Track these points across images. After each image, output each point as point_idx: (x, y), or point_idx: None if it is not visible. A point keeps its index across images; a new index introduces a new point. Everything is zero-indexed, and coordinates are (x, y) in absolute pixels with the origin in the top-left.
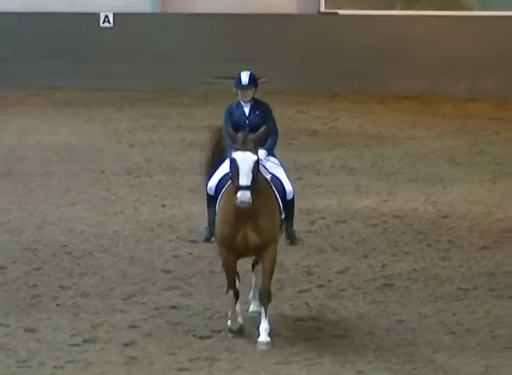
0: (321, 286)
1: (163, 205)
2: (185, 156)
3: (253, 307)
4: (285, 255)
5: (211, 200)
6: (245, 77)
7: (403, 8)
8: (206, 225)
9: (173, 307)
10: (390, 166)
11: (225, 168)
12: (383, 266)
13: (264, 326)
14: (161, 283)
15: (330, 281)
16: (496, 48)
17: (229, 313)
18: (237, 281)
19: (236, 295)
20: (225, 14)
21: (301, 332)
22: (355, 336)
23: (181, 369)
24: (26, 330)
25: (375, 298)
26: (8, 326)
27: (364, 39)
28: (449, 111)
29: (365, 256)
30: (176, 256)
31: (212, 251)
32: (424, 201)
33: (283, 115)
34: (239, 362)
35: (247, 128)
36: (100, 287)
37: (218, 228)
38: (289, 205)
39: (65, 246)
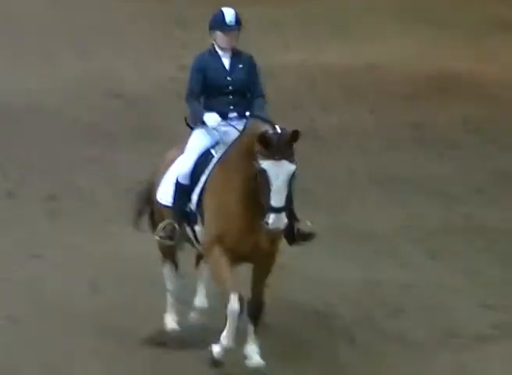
0: None
1: None
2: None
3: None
4: None
5: (183, 191)
6: (231, 16)
7: None
8: (169, 219)
9: (95, 160)
10: (319, 22)
11: (194, 147)
12: (312, 121)
13: (253, 348)
14: (88, 135)
15: None
16: None
17: (225, 333)
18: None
19: (242, 301)
20: None
21: None
22: None
23: None
24: None
25: (304, 154)
26: None
27: None
28: None
29: (294, 109)
30: (102, 111)
31: None
32: (351, 55)
33: None
34: None
35: (230, 87)
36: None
37: (216, 222)
38: None
39: None
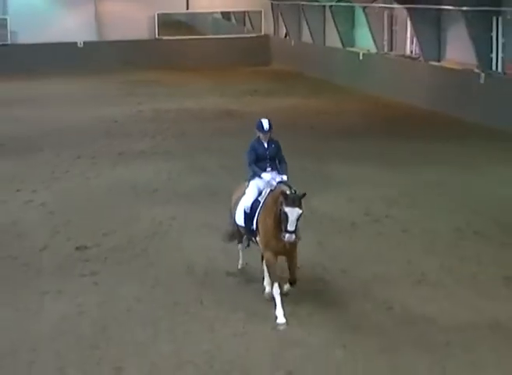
0: None
1: None
2: None
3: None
4: None
5: (248, 216)
6: (266, 124)
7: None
8: (245, 237)
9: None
10: (174, 93)
11: (251, 192)
12: (167, 129)
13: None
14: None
15: None
16: None
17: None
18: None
19: (280, 285)
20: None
21: None
22: None
23: None
24: None
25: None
26: None
27: None
28: None
29: (174, 123)
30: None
31: None
32: (193, 104)
33: None
34: None
35: (268, 157)
36: None
37: (265, 239)
38: None
39: None
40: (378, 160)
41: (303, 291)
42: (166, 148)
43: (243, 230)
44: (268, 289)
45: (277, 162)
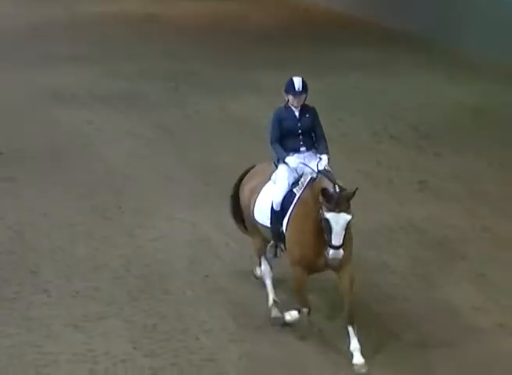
0: None
1: None
2: None
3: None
4: None
5: (277, 216)
6: (298, 83)
7: None
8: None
9: None
10: None
11: (282, 180)
12: (104, 33)
13: (355, 345)
14: None
15: None
16: None
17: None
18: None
19: (309, 312)
20: None
21: None
22: None
23: None
24: None
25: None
26: None
27: None
28: None
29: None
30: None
31: None
32: (113, 7)
33: None
34: None
35: (300, 130)
36: None
37: (296, 250)
38: None
39: None
40: (302, 66)
41: (219, 195)
42: (86, 52)
43: (267, 233)
44: (274, 313)
45: (313, 137)
